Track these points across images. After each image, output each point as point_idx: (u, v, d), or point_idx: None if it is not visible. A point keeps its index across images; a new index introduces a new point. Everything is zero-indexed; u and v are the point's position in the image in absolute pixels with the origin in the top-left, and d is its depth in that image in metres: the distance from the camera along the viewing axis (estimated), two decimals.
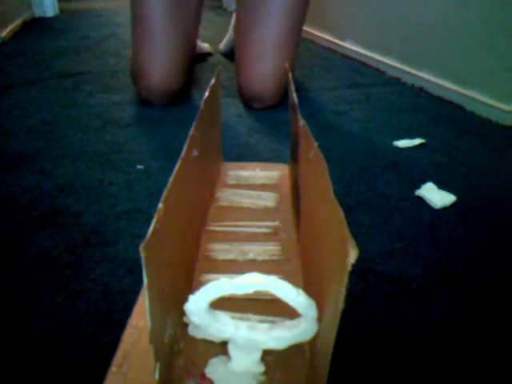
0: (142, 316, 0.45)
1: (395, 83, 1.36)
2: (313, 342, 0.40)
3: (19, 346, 0.44)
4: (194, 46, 1.15)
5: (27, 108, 1.09)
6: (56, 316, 0.48)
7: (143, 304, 0.47)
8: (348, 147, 0.90)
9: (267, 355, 0.41)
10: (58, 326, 0.47)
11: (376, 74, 1.47)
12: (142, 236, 0.61)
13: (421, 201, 0.71)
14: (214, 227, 0.60)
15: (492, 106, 1.06)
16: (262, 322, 0.41)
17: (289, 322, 0.39)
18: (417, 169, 0.81)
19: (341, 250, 0.31)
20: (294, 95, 0.61)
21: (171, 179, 0.40)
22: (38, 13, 2.47)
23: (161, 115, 1.05)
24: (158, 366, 0.35)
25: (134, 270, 0.55)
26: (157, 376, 0.35)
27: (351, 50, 1.71)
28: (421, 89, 1.29)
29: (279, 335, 0.39)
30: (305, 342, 0.40)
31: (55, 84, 1.28)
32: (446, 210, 0.69)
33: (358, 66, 1.55)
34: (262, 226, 0.61)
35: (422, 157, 0.86)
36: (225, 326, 0.39)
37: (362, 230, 0.64)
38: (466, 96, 1.13)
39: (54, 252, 0.58)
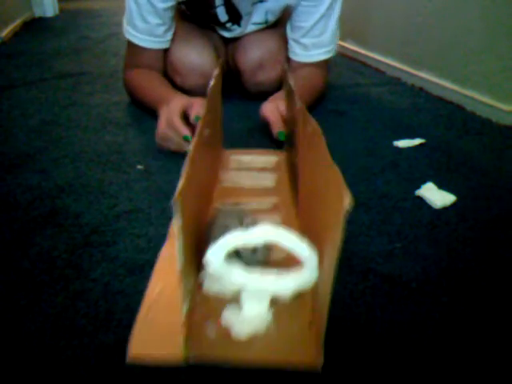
0: (160, 276, 0.52)
1: (395, 83, 1.36)
2: (314, 289, 0.47)
3: (19, 346, 0.44)
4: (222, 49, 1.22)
5: (27, 108, 1.09)
6: (56, 316, 0.48)
7: (162, 264, 0.54)
8: (348, 147, 0.90)
9: (274, 305, 0.47)
10: (58, 326, 0.47)
11: (376, 73, 1.47)
12: (142, 236, 0.61)
13: (421, 201, 0.71)
14: (219, 205, 0.63)
15: (492, 106, 1.06)
16: (269, 272, 0.45)
17: (293, 271, 0.44)
18: (417, 169, 0.81)
19: (337, 200, 0.36)
20: (291, 82, 0.67)
21: (190, 153, 0.45)
22: (38, 13, 2.47)
23: None
24: (185, 304, 0.42)
25: (134, 270, 0.55)
26: (184, 311, 0.43)
27: (351, 50, 1.71)
28: (421, 89, 1.29)
29: (285, 283, 0.44)
30: (307, 290, 0.46)
31: (55, 84, 1.29)
32: (446, 210, 0.69)
33: (358, 66, 1.55)
34: (263, 203, 0.67)
35: (422, 157, 0.86)
36: (238, 276, 0.44)
37: (362, 230, 0.64)
38: (465, 96, 1.13)
39: (53, 252, 0.58)
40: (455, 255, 0.59)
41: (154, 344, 0.44)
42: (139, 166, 0.80)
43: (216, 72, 0.69)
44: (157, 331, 0.45)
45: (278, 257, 0.52)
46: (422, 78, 1.30)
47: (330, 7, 1.06)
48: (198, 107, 0.83)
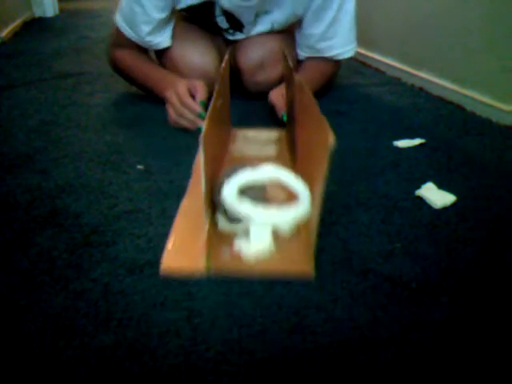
0: (183, 216, 0.65)
1: (395, 83, 1.36)
2: (306, 222, 0.59)
3: (19, 346, 0.44)
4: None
5: (27, 108, 1.09)
6: (56, 316, 0.48)
7: (186, 206, 0.67)
8: (348, 147, 0.90)
9: (276, 237, 0.59)
10: (58, 326, 0.47)
11: (376, 73, 1.47)
12: (142, 236, 0.61)
13: (421, 201, 0.71)
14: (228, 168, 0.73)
15: (492, 106, 1.06)
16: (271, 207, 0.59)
17: (291, 205, 0.58)
18: (417, 169, 0.81)
19: (323, 142, 0.47)
20: (289, 62, 0.78)
21: (209, 112, 0.58)
22: (38, 13, 2.47)
23: (161, 115, 1.05)
24: (206, 224, 0.58)
25: (134, 270, 0.55)
26: (207, 228, 0.58)
27: None
28: (421, 89, 1.29)
29: (284, 213, 0.58)
30: (301, 222, 0.59)
31: (55, 84, 1.29)
32: (445, 210, 0.69)
33: (358, 66, 1.55)
34: None
35: (422, 157, 0.86)
36: (246, 208, 0.57)
37: (362, 230, 0.64)
38: (465, 96, 1.13)
39: (53, 252, 0.58)
40: (455, 255, 0.59)
41: (182, 260, 0.56)
42: (139, 166, 0.80)
43: (226, 57, 0.81)
44: (184, 250, 0.57)
45: (272, 195, 0.65)
46: (422, 78, 1.30)
47: (340, 9, 1.05)
48: (201, 90, 0.95)
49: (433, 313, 0.49)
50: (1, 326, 0.47)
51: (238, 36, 1.17)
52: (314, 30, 1.09)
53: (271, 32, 1.15)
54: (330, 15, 1.06)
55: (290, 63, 0.78)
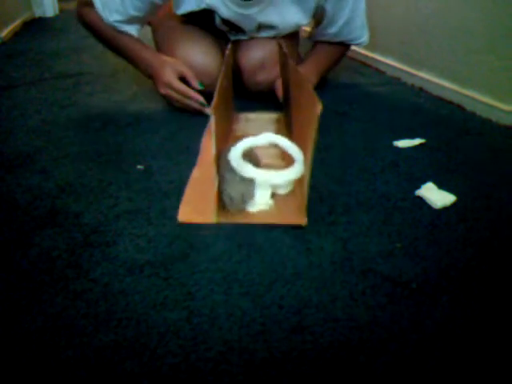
0: (195, 180, 0.74)
1: (395, 83, 1.36)
2: (301, 180, 0.68)
3: (19, 346, 0.44)
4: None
5: (27, 108, 1.09)
6: (56, 316, 0.48)
7: (197, 173, 0.76)
8: (348, 147, 0.90)
9: (275, 196, 0.70)
10: (58, 326, 0.47)
11: (376, 73, 1.47)
12: (141, 236, 0.61)
13: (421, 201, 0.71)
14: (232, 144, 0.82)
15: (492, 106, 1.05)
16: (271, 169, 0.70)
17: (287, 168, 0.69)
18: (417, 169, 0.81)
19: (312, 109, 0.57)
20: (284, 49, 0.86)
21: (217, 88, 0.68)
22: (38, 13, 2.47)
23: (161, 115, 1.05)
24: (216, 182, 0.66)
25: (134, 270, 0.55)
26: (216, 186, 0.66)
27: (351, 50, 1.70)
28: (421, 89, 1.29)
29: (282, 173, 0.68)
30: (296, 179, 0.69)
31: (55, 84, 1.28)
32: (446, 210, 0.69)
33: (358, 66, 1.55)
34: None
35: (422, 157, 0.86)
36: (250, 170, 0.67)
37: (362, 230, 0.64)
38: (465, 96, 1.13)
39: (53, 252, 0.58)
40: (455, 255, 0.59)
41: (195, 213, 0.66)
42: (139, 166, 0.80)
43: (229, 46, 0.92)
44: (196, 205, 0.67)
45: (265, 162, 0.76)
46: (422, 78, 1.30)
47: (354, 9, 1.08)
48: (191, 76, 1.01)
49: (433, 313, 0.49)
50: (1, 326, 0.47)
51: (241, 36, 1.17)
52: (329, 29, 1.13)
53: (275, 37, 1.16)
54: (344, 16, 1.09)
55: (285, 48, 0.87)
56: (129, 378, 0.41)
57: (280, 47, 0.95)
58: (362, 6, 1.10)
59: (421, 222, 0.66)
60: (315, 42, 1.20)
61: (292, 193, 0.71)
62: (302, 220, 0.64)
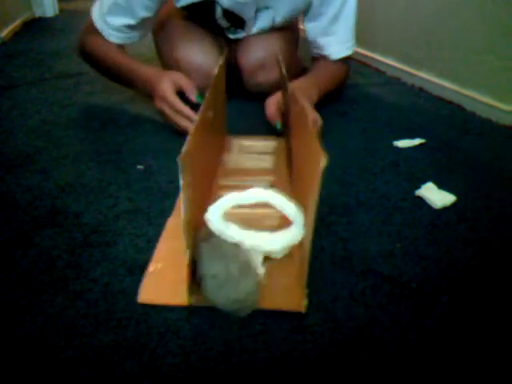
0: (166, 240, 0.59)
1: (395, 83, 1.36)
2: (300, 245, 0.54)
3: (19, 346, 0.44)
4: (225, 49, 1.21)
5: (27, 108, 1.09)
6: (56, 316, 0.48)
7: (168, 231, 0.61)
8: (348, 147, 0.90)
9: (267, 262, 0.54)
10: (58, 326, 0.47)
11: (376, 74, 1.47)
12: (141, 236, 0.61)
13: (421, 201, 0.71)
14: (222, 181, 0.73)
15: (492, 106, 1.06)
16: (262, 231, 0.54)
17: (283, 230, 0.54)
18: (417, 169, 0.81)
19: (316, 161, 0.44)
20: (283, 71, 0.76)
21: (194, 126, 0.51)
22: (38, 13, 2.47)
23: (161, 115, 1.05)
24: (188, 254, 0.48)
25: (134, 270, 0.55)
26: (187, 260, 0.48)
27: None
28: (421, 89, 1.29)
29: (276, 239, 0.53)
30: (294, 245, 0.55)
31: (55, 84, 1.28)
32: (446, 210, 0.69)
33: (358, 66, 1.55)
34: (262, 181, 0.73)
35: (422, 157, 0.86)
36: (234, 233, 0.52)
37: (362, 230, 0.64)
38: (465, 96, 1.13)
39: (54, 252, 0.58)
40: (455, 255, 0.59)
41: (161, 292, 0.51)
42: (139, 166, 0.80)
43: (220, 62, 0.77)
44: (163, 282, 0.52)
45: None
46: (422, 78, 1.30)
47: (342, 6, 1.06)
48: (189, 88, 0.91)
49: (433, 313, 0.49)
50: (1, 326, 0.47)
51: (240, 34, 1.17)
52: (316, 23, 1.09)
53: (273, 29, 1.15)
54: (332, 11, 1.06)
55: (284, 70, 0.75)
56: (129, 378, 0.41)
57: (279, 65, 0.84)
58: (353, 5, 1.07)
59: (421, 222, 0.66)
60: (314, 61, 1.17)
61: (289, 257, 0.56)
62: (301, 305, 0.49)
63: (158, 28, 1.19)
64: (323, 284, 0.53)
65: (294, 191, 0.67)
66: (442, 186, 0.74)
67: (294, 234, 0.54)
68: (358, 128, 1.00)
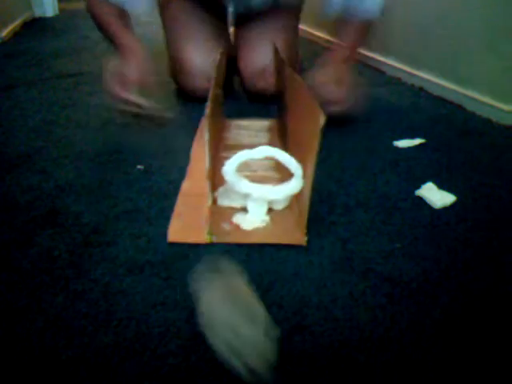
0: (185, 195, 0.70)
1: (395, 83, 1.36)
2: (299, 195, 0.64)
3: (19, 346, 0.44)
4: (228, 46, 1.20)
5: (27, 108, 1.09)
6: (56, 316, 0.48)
7: (187, 186, 0.72)
8: (348, 147, 0.90)
9: (271, 211, 0.66)
10: (58, 326, 0.47)
11: (376, 74, 1.47)
12: (142, 236, 0.61)
13: (421, 201, 0.71)
14: (224, 155, 0.80)
15: (492, 106, 1.05)
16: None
17: (285, 182, 0.63)
18: (417, 169, 0.81)
19: (314, 120, 0.51)
20: (281, 54, 0.83)
21: (210, 96, 0.66)
22: (38, 13, 2.47)
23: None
24: (210, 197, 0.66)
25: (134, 270, 0.55)
26: (209, 202, 0.66)
27: None
28: (421, 89, 1.29)
29: (279, 190, 0.63)
30: (295, 194, 0.64)
31: (55, 84, 1.28)
32: (446, 210, 0.69)
33: (358, 66, 1.55)
34: None
35: (422, 157, 0.86)
36: (244, 185, 0.63)
37: (362, 230, 0.63)
38: (466, 96, 1.13)
39: (54, 252, 0.58)
40: (455, 255, 0.59)
41: (186, 232, 0.61)
42: (139, 166, 0.80)
43: (217, 62, 0.81)
44: (188, 223, 0.63)
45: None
46: (422, 78, 1.30)
47: None
48: (132, 82, 0.87)
49: (433, 313, 0.49)
50: (1, 326, 0.47)
51: (240, 8, 1.14)
52: None
53: (277, 9, 1.12)
54: None
55: (282, 55, 0.84)
56: (129, 378, 0.41)
57: (276, 52, 0.91)
58: None
59: (421, 222, 0.65)
60: (337, 25, 1.11)
61: (288, 208, 0.67)
62: (302, 239, 0.60)
63: (164, 8, 1.17)
64: (323, 284, 0.53)
65: (291, 149, 0.74)
66: (442, 186, 0.74)
67: (294, 185, 0.62)
68: (358, 128, 1.00)
